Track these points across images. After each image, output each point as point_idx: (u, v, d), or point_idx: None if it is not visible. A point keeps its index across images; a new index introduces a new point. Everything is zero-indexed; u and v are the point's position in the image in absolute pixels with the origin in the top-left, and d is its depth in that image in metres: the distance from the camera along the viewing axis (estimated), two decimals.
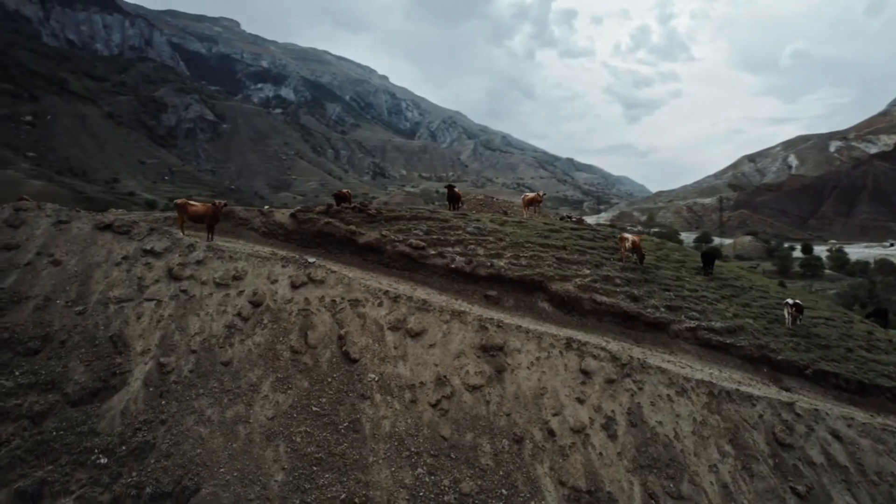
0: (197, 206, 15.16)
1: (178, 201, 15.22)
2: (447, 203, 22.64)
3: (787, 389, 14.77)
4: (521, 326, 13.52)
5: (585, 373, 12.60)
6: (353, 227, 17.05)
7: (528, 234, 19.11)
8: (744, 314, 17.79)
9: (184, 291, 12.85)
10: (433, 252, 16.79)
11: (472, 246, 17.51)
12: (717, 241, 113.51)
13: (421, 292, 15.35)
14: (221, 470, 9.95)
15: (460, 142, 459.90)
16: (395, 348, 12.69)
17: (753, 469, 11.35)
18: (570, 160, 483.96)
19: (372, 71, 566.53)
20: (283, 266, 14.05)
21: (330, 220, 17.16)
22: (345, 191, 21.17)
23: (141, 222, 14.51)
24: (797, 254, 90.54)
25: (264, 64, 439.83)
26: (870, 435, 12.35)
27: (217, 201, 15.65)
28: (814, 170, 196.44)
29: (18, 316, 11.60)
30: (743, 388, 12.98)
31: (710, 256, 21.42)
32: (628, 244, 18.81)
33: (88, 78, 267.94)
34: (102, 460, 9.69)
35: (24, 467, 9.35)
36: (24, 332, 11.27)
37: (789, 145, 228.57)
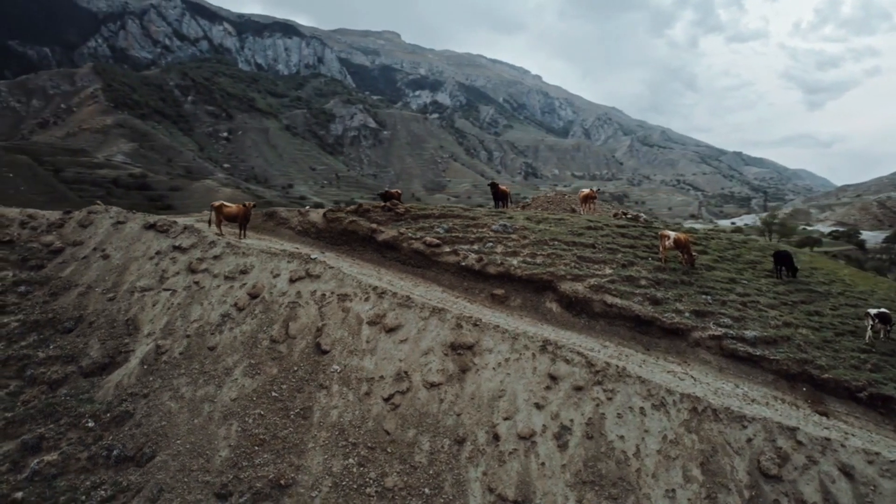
0: (231, 207, 16.97)
1: (215, 203, 17.17)
2: (494, 202, 22.33)
3: (824, 414, 12.48)
4: (498, 326, 13.16)
5: (553, 377, 11.94)
6: (373, 226, 17.77)
7: (559, 232, 18.26)
8: (802, 324, 15.30)
9: (196, 283, 14.56)
10: (447, 249, 16.86)
11: (492, 244, 17.25)
12: None
13: (421, 289, 15.59)
14: (178, 441, 11.25)
15: (616, 138, 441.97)
16: (367, 342, 13.13)
17: (719, 500, 9.93)
18: (738, 154, 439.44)
19: (525, 71, 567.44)
20: (289, 262, 15.21)
21: (354, 218, 18.07)
22: (393, 190, 21.97)
23: (178, 222, 16.65)
24: None
25: (422, 71, 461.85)
26: None
27: (247, 203, 17.36)
28: None
29: (66, 300, 14.12)
30: (736, 407, 11.29)
31: (784, 257, 18.60)
32: (668, 242, 17.11)
33: (271, 95, 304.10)
34: (90, 424, 11.51)
35: (32, 424, 11.47)
36: (64, 314, 13.71)
37: None
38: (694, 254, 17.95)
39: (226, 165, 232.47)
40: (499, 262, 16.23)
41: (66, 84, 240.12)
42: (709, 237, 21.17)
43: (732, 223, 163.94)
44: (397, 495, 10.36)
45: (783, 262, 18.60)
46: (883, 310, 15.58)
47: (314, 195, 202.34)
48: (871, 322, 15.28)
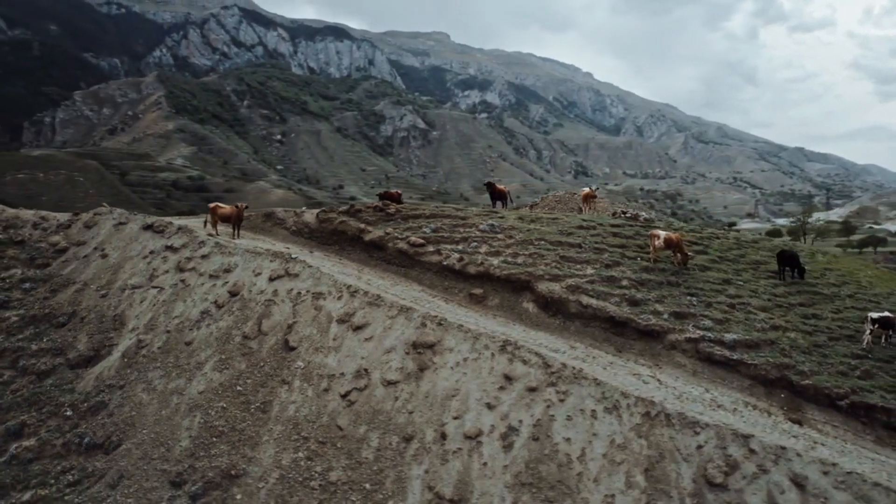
0: (225, 208, 17.68)
1: (211, 205, 17.92)
2: (491, 202, 22.19)
3: (798, 422, 11.87)
4: (462, 325, 13.18)
5: (508, 378, 11.88)
6: (362, 226, 18.10)
7: (548, 232, 18.05)
8: (794, 327, 14.58)
9: (183, 281, 15.27)
10: (431, 249, 16.99)
11: (476, 244, 17.25)
12: None
13: (399, 288, 15.78)
14: (144, 431, 11.88)
15: (669, 136, 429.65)
16: (334, 339, 13.43)
17: None
18: (800, 149, 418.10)
19: (576, 69, 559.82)
20: (271, 261, 15.71)
21: (344, 219, 18.46)
22: (393, 191, 22.25)
23: (174, 223, 17.47)
24: None
25: (471, 71, 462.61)
26: (852, 489, 9.48)
27: (239, 204, 18.03)
28: None
29: (63, 296, 15.11)
30: (694, 413, 10.90)
31: (789, 257, 17.70)
32: (659, 242, 16.62)
33: (323, 98, 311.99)
34: (69, 413, 12.31)
35: (17, 411, 12.37)
36: (59, 309, 14.68)
37: None
38: (690, 254, 17.38)
39: (279, 167, 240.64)
40: (479, 261, 16.22)
41: (133, 92, 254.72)
42: (712, 237, 20.38)
43: (792, 222, 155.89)
44: (339, 489, 10.59)
45: (788, 262, 17.73)
46: (887, 314, 14.65)
47: (364, 195, 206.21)
48: (870, 326, 14.39)
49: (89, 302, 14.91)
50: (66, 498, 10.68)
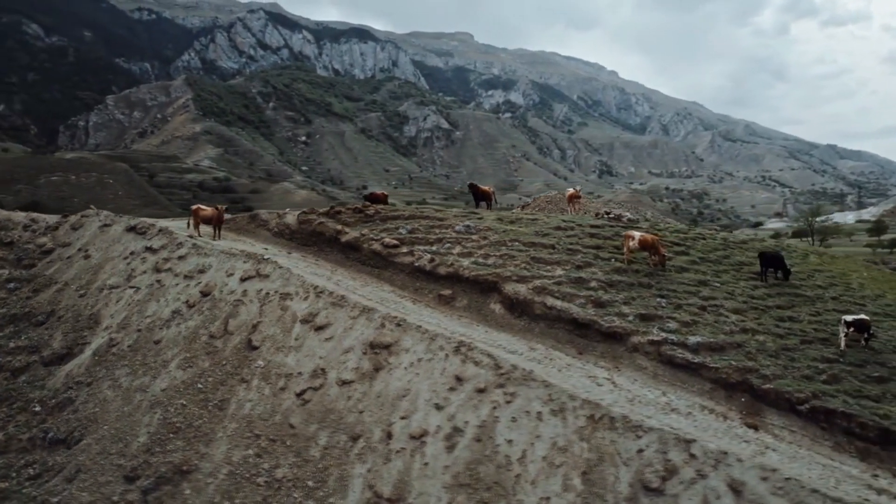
0: (206, 210, 18.09)
1: (193, 207, 18.34)
2: (475, 203, 22.14)
3: (754, 427, 11.63)
4: (420, 326, 13.26)
5: (459, 379, 11.92)
6: (339, 227, 18.31)
7: (525, 233, 17.98)
8: (766, 330, 14.28)
9: (158, 281, 15.68)
10: (404, 250, 17.10)
11: (450, 244, 17.31)
12: None
13: (369, 289, 15.93)
14: (105, 427, 12.26)
15: (695, 134, 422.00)
16: (296, 339, 13.65)
17: None
18: (832, 147, 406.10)
19: (600, 67, 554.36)
20: (244, 262, 16.02)
21: (323, 220, 18.70)
22: (379, 192, 22.43)
23: (156, 224, 17.93)
24: None
25: (495, 71, 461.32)
26: (789, 495, 9.27)
27: (219, 206, 18.41)
28: None
29: (44, 296, 15.67)
30: (640, 416, 10.79)
31: (771, 258, 17.30)
32: (633, 243, 16.44)
33: (347, 100, 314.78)
34: (37, 408, 12.79)
35: None
36: (39, 308, 15.23)
37: None
38: (667, 255, 17.15)
39: (304, 168, 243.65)
40: (449, 262, 16.27)
41: (163, 95, 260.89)
42: (697, 238, 20.02)
43: (822, 221, 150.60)
44: (283, 486, 10.78)
45: (771, 263, 17.33)
46: (862, 316, 14.26)
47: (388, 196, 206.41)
48: (844, 329, 14.01)
49: (68, 301, 15.44)
50: (24, 491, 11.10)
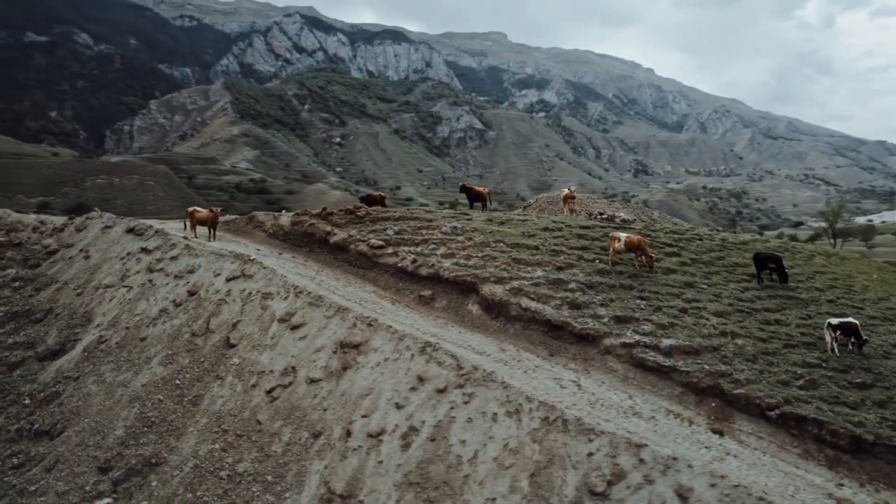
0: (202, 212, 18.68)
1: (189, 209, 18.96)
2: (469, 204, 22.12)
3: (719, 432, 11.37)
4: (390, 327, 13.42)
5: (421, 379, 12.04)
6: (329, 228, 18.63)
7: (511, 234, 17.93)
8: (748, 333, 13.90)
9: (150, 281, 16.30)
10: (389, 251, 17.30)
11: (435, 245, 17.42)
12: None
13: (351, 289, 16.18)
14: (86, 420, 12.84)
15: (734, 132, 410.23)
16: (272, 338, 14.00)
17: None
18: (882, 143, 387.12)
19: (636, 65, 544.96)
20: (232, 262, 16.50)
21: (314, 221, 19.06)
22: (376, 193, 22.69)
23: (154, 226, 18.61)
24: None
25: (529, 70, 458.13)
26: (735, 502, 9.06)
27: (214, 208, 18.97)
28: None
29: (45, 295, 16.47)
30: (599, 420, 10.68)
31: (766, 259, 16.79)
32: (619, 245, 16.21)
33: (381, 101, 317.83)
34: (27, 401, 13.48)
35: None
36: (39, 306, 16.02)
37: None
38: (655, 255, 16.86)
39: (338, 169, 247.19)
40: (431, 263, 16.39)
41: (202, 99, 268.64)
42: (693, 238, 19.55)
43: (869, 221, 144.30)
44: (244, 480, 11.10)
45: (766, 265, 16.82)
46: (849, 320, 13.73)
47: (420, 196, 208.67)
48: (830, 333, 13.52)
49: (66, 300, 16.20)
50: (5, 479, 11.75)
